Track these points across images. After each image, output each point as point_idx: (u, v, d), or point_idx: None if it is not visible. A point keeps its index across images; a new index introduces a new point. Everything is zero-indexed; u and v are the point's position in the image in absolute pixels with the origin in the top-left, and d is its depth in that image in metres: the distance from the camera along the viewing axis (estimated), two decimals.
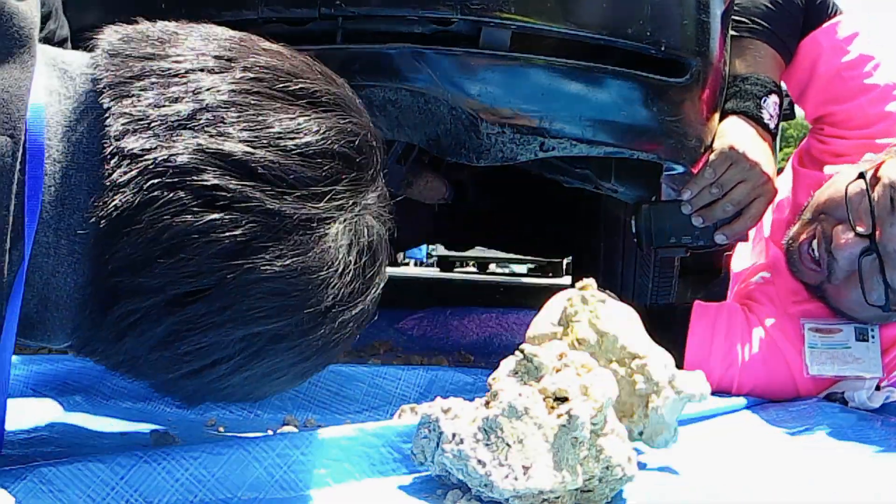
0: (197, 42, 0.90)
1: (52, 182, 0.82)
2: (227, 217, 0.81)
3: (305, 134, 0.86)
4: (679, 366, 1.74)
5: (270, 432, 1.20)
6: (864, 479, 1.22)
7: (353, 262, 0.90)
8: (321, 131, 0.87)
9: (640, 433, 1.12)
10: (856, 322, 1.73)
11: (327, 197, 0.86)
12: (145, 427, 1.17)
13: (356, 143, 0.90)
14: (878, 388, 1.68)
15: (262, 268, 0.83)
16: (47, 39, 1.20)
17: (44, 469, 0.87)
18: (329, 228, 0.87)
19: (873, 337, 1.71)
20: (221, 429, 1.28)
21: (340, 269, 0.88)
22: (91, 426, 1.21)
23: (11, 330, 0.83)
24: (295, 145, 0.85)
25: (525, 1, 1.39)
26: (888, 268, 1.58)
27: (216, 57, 0.88)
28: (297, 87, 0.89)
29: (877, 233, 1.58)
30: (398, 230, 0.99)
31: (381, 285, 0.96)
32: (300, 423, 1.33)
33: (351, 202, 0.89)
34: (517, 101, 1.45)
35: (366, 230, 0.92)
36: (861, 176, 1.62)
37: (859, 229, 1.60)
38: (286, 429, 1.27)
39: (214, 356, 0.86)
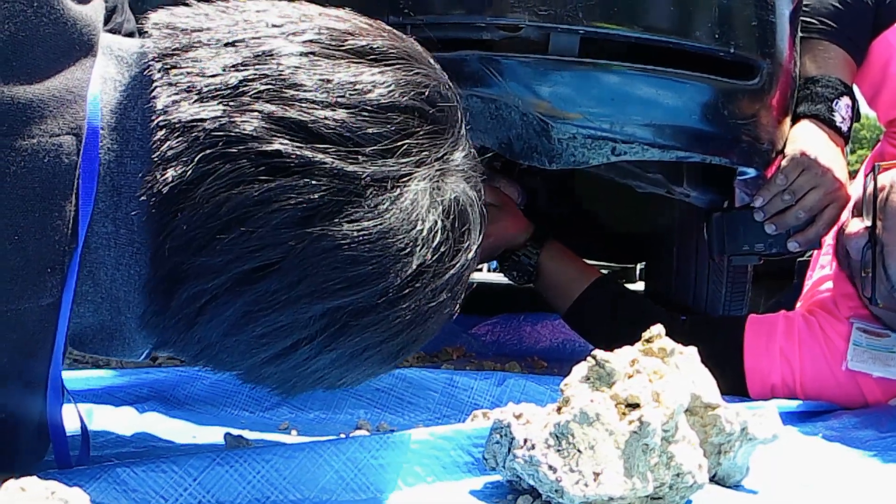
0: (251, 15, 0.86)
1: (107, 171, 0.79)
2: (290, 183, 0.76)
3: (369, 89, 0.81)
4: (737, 372, 1.72)
5: (343, 436, 1.21)
6: None
7: (438, 223, 0.83)
8: (386, 84, 0.82)
9: (713, 476, 1.11)
10: None
11: (400, 152, 0.81)
12: (219, 431, 1.19)
13: (426, 94, 0.85)
14: None
15: (333, 234, 0.77)
16: (113, 31, 1.17)
17: (118, 469, 0.87)
18: (407, 187, 0.81)
19: None
20: (294, 432, 1.29)
21: (425, 231, 0.82)
22: (165, 429, 1.23)
23: (65, 315, 0.79)
24: (359, 102, 0.80)
25: (593, 6, 1.38)
26: (880, 262, 1.56)
27: (271, 25, 0.84)
28: (358, 43, 0.84)
29: (878, 226, 1.56)
30: None
31: (475, 250, 0.89)
32: (373, 428, 1.34)
33: (431, 157, 0.84)
34: (588, 106, 1.44)
35: (451, 188, 0.86)
36: (874, 169, 1.60)
37: (865, 221, 1.60)
38: (358, 433, 1.27)
39: (294, 337, 0.82)
